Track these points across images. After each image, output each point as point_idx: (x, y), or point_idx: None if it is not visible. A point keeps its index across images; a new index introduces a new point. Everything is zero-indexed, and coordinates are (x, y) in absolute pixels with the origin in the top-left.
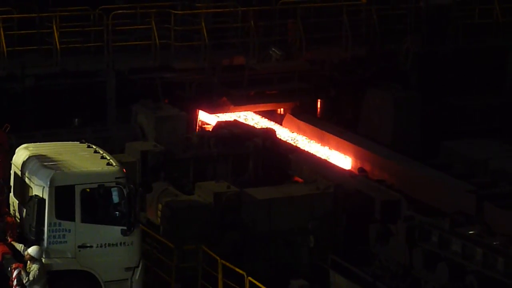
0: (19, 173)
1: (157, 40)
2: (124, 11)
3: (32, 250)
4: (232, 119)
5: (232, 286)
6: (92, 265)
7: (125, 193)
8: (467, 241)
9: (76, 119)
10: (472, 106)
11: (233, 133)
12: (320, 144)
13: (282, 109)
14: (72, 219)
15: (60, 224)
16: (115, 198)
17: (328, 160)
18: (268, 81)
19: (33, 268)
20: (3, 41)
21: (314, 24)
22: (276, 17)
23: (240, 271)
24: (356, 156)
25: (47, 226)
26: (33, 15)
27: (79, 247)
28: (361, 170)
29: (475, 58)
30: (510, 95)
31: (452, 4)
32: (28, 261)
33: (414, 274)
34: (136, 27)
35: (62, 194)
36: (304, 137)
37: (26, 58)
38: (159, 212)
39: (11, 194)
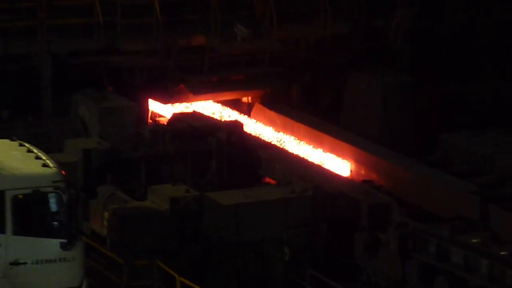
0: None
1: (100, 17)
2: None
3: None
4: (191, 110)
5: None
6: (27, 285)
7: (64, 199)
8: (469, 251)
9: (5, 111)
10: (474, 92)
11: (192, 126)
12: (312, 145)
13: (250, 98)
14: (2, 230)
15: None
16: (53, 205)
17: (307, 159)
18: (233, 64)
19: None
20: None
21: None
22: None
23: None
24: (336, 151)
25: None
26: None
27: (10, 264)
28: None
29: (477, 35)
30: None
31: None
32: None
33: None
34: (75, 2)
35: None
36: (293, 137)
37: None
38: (105, 222)
39: None
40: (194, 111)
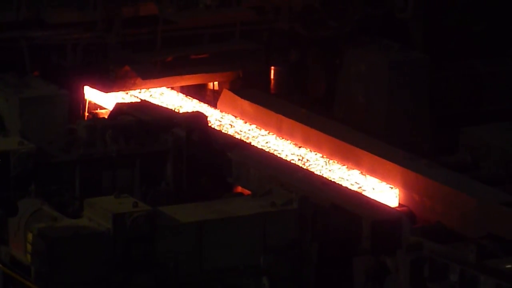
0: None
1: None
2: None
3: None
4: (139, 100)
5: None
6: None
7: None
8: (502, 279)
9: None
10: (508, 72)
11: (141, 121)
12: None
13: (216, 83)
14: None
15: None
16: None
17: (289, 161)
18: (194, 40)
19: None
20: None
21: None
22: None
23: None
24: (325, 148)
25: None
26: None
27: None
28: None
29: None
30: None
31: None
32: None
33: None
34: None
35: None
36: (317, 154)
37: None
38: (28, 246)
39: None
40: (143, 101)
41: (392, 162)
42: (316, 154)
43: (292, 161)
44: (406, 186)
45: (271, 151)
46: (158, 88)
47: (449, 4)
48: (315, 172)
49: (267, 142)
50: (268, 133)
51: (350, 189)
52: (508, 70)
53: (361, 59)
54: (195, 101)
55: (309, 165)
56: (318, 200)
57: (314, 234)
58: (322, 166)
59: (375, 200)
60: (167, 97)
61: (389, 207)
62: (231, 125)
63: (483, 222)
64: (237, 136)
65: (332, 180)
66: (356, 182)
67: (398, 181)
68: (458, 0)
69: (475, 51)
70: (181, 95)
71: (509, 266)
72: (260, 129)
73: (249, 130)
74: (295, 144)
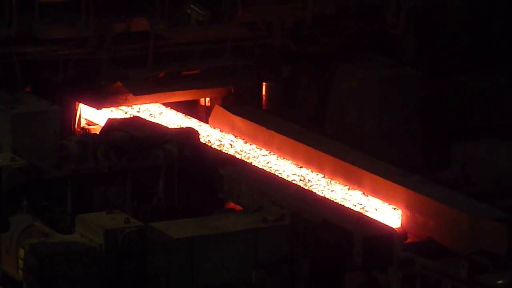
0: None
1: None
2: None
3: None
4: (131, 116)
5: None
6: None
7: None
8: None
9: None
10: (499, 88)
11: (132, 137)
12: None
13: (207, 99)
14: None
15: None
16: None
17: (279, 176)
18: (186, 56)
19: None
20: None
21: None
22: None
23: None
24: (321, 166)
25: None
26: None
27: None
28: None
29: (503, 15)
30: None
31: None
32: None
33: None
34: None
35: None
36: (321, 175)
37: None
38: (20, 262)
39: None
40: (135, 117)
41: (383, 178)
42: (317, 175)
43: (293, 181)
44: (399, 202)
45: (272, 171)
46: (157, 108)
47: (440, 21)
48: (316, 192)
49: (268, 162)
50: (269, 153)
51: (342, 205)
52: (499, 86)
53: (352, 75)
54: (195, 120)
55: (311, 186)
56: (309, 216)
57: (305, 250)
58: (324, 187)
59: (367, 216)
60: (166, 116)
61: (381, 223)
62: (231, 145)
63: (474, 238)
64: (238, 156)
65: (324, 196)
66: (358, 203)
67: (389, 197)
68: (450, 16)
69: (467, 67)
70: (180, 115)
71: (500, 282)
72: (261, 149)
73: (249, 150)
74: (296, 165)
